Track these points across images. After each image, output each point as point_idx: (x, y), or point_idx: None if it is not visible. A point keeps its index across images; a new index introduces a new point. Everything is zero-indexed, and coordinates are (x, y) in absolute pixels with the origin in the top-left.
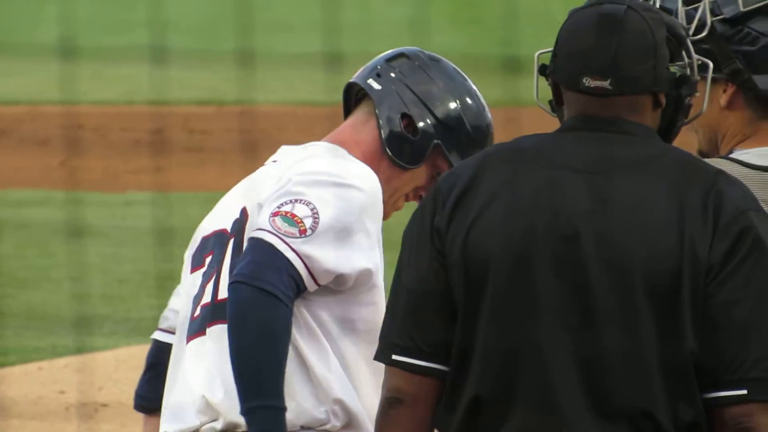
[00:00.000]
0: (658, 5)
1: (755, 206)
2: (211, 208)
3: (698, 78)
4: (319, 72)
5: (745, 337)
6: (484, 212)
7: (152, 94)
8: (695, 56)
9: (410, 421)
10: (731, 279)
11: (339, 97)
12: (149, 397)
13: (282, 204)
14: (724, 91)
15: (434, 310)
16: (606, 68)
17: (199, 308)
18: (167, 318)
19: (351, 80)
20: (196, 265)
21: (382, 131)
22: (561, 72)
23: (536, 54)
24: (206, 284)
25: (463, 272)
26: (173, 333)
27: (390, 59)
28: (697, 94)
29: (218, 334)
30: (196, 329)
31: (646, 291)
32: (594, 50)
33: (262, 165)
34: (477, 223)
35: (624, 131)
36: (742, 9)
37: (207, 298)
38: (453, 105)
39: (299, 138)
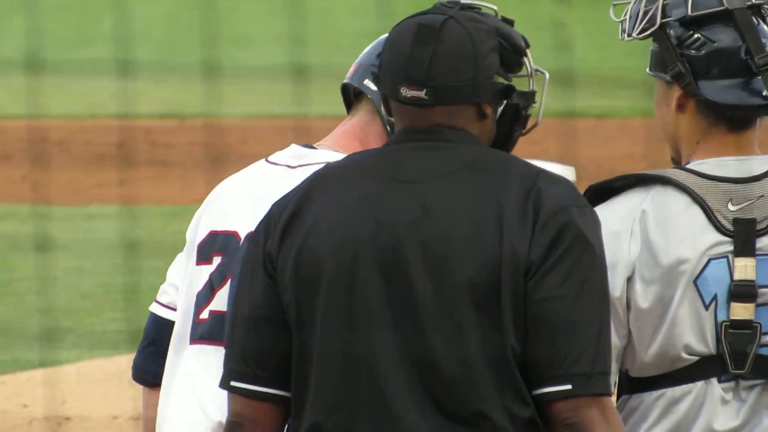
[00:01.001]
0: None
1: (577, 202)
2: (174, 221)
3: (535, 89)
4: (284, 84)
5: (568, 332)
6: (313, 232)
7: (116, 107)
8: (533, 66)
9: None
10: (551, 275)
11: (303, 109)
12: (151, 371)
13: None
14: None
15: (269, 335)
16: (421, 78)
17: (206, 311)
18: (167, 292)
19: (346, 81)
20: (202, 259)
21: (389, 132)
22: (383, 82)
23: (378, 63)
24: (216, 289)
25: (295, 294)
26: (169, 308)
27: (381, 53)
28: (535, 105)
29: None
30: (204, 335)
31: (468, 294)
32: (410, 60)
33: (267, 161)
34: (306, 244)
35: (444, 139)
36: (689, 13)
37: (218, 305)
38: None
39: (262, 151)
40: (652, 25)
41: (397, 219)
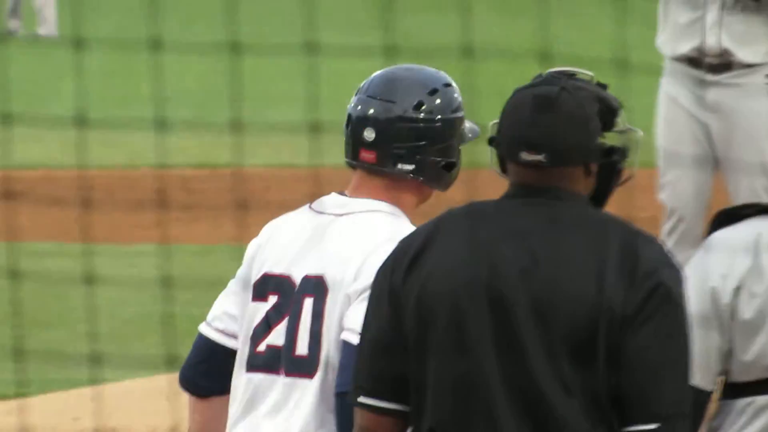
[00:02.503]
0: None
1: (668, 262)
2: (205, 258)
3: (629, 145)
4: (301, 138)
5: (654, 378)
6: (435, 272)
7: (154, 158)
8: (627, 125)
9: None
10: (643, 327)
11: (318, 160)
12: (201, 384)
13: None
14: None
15: (393, 357)
16: (541, 144)
17: (263, 345)
18: (220, 318)
19: (360, 168)
20: (258, 297)
21: (429, 185)
22: (503, 146)
23: (490, 124)
24: (273, 325)
25: (415, 326)
26: (224, 334)
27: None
28: (629, 160)
29: (298, 388)
30: (262, 365)
31: (568, 338)
32: (530, 128)
33: (312, 209)
34: (428, 282)
35: (556, 198)
36: None
37: (277, 340)
38: (436, 116)
39: (283, 196)
40: None
41: (510, 266)
